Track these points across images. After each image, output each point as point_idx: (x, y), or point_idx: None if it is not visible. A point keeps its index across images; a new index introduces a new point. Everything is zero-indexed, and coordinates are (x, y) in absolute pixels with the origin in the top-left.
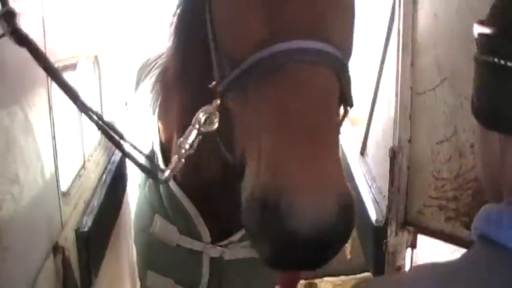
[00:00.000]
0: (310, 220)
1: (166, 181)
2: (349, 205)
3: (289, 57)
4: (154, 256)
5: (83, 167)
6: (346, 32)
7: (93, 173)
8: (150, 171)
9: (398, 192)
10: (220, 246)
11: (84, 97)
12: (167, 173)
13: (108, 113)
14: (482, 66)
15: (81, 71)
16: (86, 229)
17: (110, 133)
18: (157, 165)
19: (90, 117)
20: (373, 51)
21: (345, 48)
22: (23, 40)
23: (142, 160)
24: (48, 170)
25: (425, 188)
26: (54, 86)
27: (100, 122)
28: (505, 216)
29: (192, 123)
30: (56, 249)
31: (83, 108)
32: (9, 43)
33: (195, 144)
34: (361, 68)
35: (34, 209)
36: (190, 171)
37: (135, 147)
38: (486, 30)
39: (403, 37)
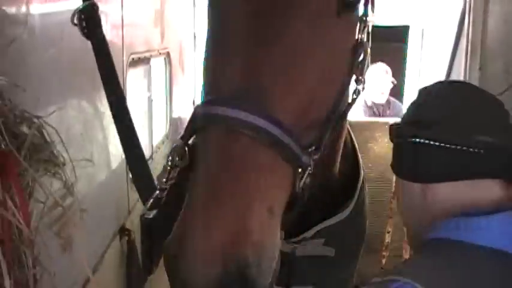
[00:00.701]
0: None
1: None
2: (242, 272)
3: (205, 121)
4: None
5: (151, 157)
6: (305, 110)
7: (160, 164)
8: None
9: None
10: (293, 242)
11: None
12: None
13: (176, 110)
14: (397, 146)
15: (153, 65)
16: (150, 216)
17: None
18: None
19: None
20: (442, 56)
21: (303, 127)
22: (90, 34)
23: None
24: (119, 157)
25: None
26: (129, 78)
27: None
28: (461, 223)
29: (166, 162)
30: (122, 231)
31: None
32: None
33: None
34: (430, 71)
35: (105, 190)
36: None
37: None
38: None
39: (472, 42)
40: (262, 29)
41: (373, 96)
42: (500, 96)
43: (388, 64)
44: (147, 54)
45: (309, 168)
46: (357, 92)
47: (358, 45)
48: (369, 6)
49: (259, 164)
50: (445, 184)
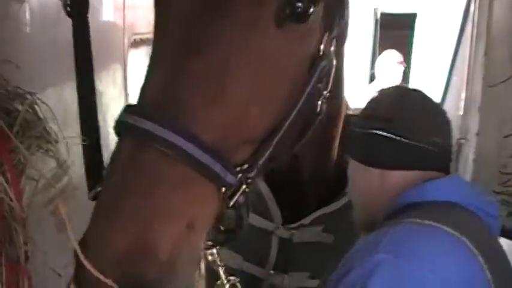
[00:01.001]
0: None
1: None
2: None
3: (118, 128)
4: None
5: None
6: (232, 126)
7: None
8: None
9: None
10: (291, 228)
11: None
12: None
13: None
14: (360, 136)
15: None
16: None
17: None
18: None
19: None
20: (448, 43)
21: (231, 145)
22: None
23: None
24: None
25: (489, 182)
26: (131, 58)
27: None
28: (420, 189)
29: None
30: None
31: None
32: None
33: None
34: (434, 60)
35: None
36: None
37: None
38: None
39: (477, 28)
40: (190, 37)
41: (384, 86)
42: (504, 83)
43: (399, 50)
44: (149, 36)
45: (243, 187)
46: (321, 102)
47: (319, 58)
48: (336, 18)
49: (168, 178)
50: (401, 172)
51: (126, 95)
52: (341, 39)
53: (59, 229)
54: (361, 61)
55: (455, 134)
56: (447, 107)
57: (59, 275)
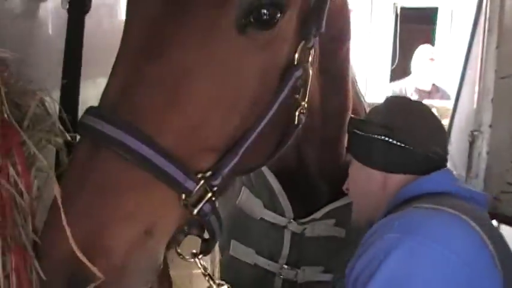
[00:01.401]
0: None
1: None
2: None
3: (79, 127)
4: (238, 226)
5: None
6: (192, 132)
7: None
8: None
9: (476, 178)
10: (303, 223)
11: None
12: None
13: None
14: (368, 140)
15: None
16: None
17: None
18: None
19: None
20: (462, 36)
21: (192, 151)
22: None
23: None
24: None
25: (503, 174)
26: None
27: None
28: (414, 185)
29: None
30: None
31: None
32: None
33: None
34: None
35: None
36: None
37: None
38: None
39: (489, 20)
40: (149, 40)
41: (417, 83)
42: None
43: (417, 46)
44: None
45: (208, 194)
46: (299, 112)
47: (293, 68)
48: (313, 28)
49: (121, 180)
50: (402, 175)
51: None
52: (341, 39)
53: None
54: (381, 56)
55: (469, 126)
56: (462, 100)
57: None
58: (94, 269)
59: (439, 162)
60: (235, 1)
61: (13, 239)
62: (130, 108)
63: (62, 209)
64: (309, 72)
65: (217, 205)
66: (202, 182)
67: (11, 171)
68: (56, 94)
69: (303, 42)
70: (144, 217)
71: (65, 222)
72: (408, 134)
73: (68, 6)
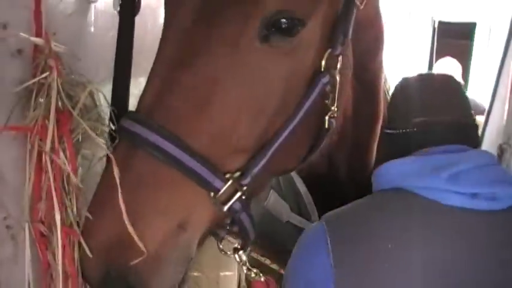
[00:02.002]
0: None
1: None
2: (125, 272)
3: (119, 132)
4: (265, 228)
5: None
6: (221, 135)
7: None
8: None
9: None
10: None
11: None
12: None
13: None
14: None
15: None
16: None
17: None
18: None
19: None
20: (500, 52)
21: (222, 152)
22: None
23: None
24: None
25: None
26: None
27: None
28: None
29: None
30: None
31: None
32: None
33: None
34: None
35: None
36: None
37: None
38: None
39: None
40: (181, 50)
41: None
42: None
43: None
44: None
45: (237, 193)
46: (329, 117)
47: (320, 74)
48: (340, 36)
49: (155, 179)
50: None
51: None
52: (375, 50)
53: None
54: (418, 70)
55: (499, 140)
56: (493, 115)
57: None
58: (139, 243)
59: (427, 132)
60: (257, 15)
61: (61, 217)
62: (164, 113)
63: (119, 189)
64: (336, 78)
65: (248, 203)
66: (231, 181)
67: (61, 155)
68: (105, 89)
69: (330, 49)
70: (176, 212)
71: (121, 201)
72: (389, 119)
73: (119, 8)
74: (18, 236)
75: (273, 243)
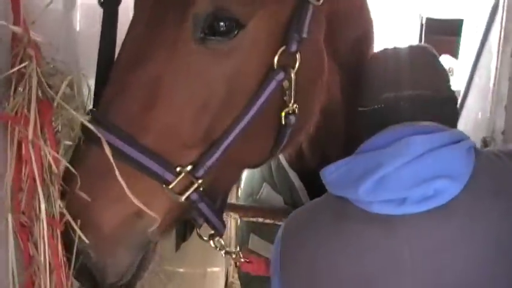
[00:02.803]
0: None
1: None
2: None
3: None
4: (258, 221)
5: None
6: (171, 132)
7: None
8: None
9: None
10: None
11: None
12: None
13: None
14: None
15: None
16: None
17: None
18: None
19: None
20: (472, 41)
21: (173, 147)
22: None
23: None
24: None
25: None
26: None
27: None
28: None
29: None
30: None
31: None
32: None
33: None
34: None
35: None
36: (293, 160)
37: None
38: None
39: (505, 27)
40: (132, 52)
41: None
42: None
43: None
44: None
45: (194, 184)
46: (287, 114)
47: (272, 72)
48: (293, 33)
49: (112, 173)
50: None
51: None
52: (367, 40)
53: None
54: None
55: (481, 134)
56: (468, 108)
57: None
58: (80, 232)
59: (399, 107)
60: (189, 18)
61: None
62: (118, 113)
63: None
64: (291, 76)
65: (209, 194)
66: (183, 174)
67: (43, 145)
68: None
69: (284, 47)
70: (131, 201)
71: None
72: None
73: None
74: None
75: None
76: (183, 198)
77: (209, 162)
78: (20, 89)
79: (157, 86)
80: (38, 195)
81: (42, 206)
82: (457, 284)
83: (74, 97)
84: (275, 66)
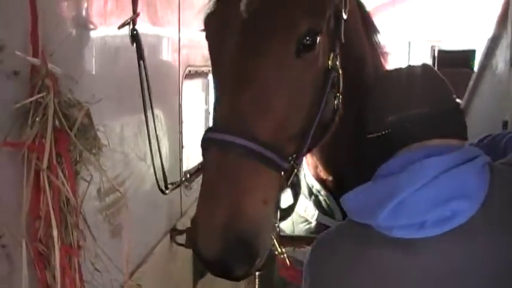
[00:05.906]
0: (201, 247)
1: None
2: (239, 238)
3: (204, 143)
4: (295, 228)
5: None
6: (281, 129)
7: None
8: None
9: None
10: None
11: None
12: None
13: None
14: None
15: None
16: None
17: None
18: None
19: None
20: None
21: (282, 142)
22: (134, 40)
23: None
24: (173, 160)
25: None
26: (185, 88)
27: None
28: None
29: None
30: (173, 231)
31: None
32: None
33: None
34: None
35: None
36: (312, 172)
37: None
38: None
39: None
40: (238, 73)
41: None
42: None
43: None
44: (204, 69)
45: (295, 170)
46: (337, 101)
47: (329, 72)
48: (336, 40)
49: (243, 170)
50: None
51: (180, 115)
52: (362, 63)
53: (113, 234)
54: None
55: None
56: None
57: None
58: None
59: (399, 130)
60: (294, 37)
61: (60, 236)
62: (238, 121)
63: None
64: (339, 72)
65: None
66: (292, 162)
67: (60, 174)
68: (105, 121)
69: (332, 52)
70: (261, 192)
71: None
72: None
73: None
74: (13, 255)
75: None
76: (289, 182)
77: (304, 150)
78: (37, 119)
79: (269, 95)
80: (52, 223)
81: (55, 233)
82: None
83: (91, 126)
84: (329, 68)
